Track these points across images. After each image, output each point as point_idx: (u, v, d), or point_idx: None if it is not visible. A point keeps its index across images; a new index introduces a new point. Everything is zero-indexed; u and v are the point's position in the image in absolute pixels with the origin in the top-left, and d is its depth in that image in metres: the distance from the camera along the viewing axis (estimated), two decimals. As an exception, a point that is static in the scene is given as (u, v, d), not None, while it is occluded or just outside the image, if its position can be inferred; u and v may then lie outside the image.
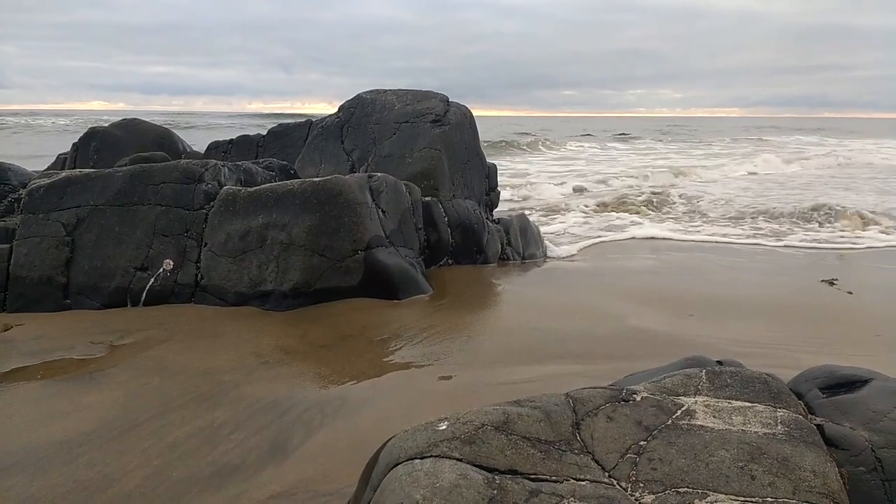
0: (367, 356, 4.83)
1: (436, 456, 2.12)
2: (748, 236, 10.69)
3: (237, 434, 3.57)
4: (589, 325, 5.53)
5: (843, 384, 2.75)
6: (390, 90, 9.57)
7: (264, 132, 10.32)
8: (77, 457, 3.36)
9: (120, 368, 4.57)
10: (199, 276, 6.19)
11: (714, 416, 2.40)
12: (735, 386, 2.61)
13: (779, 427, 2.35)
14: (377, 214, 6.44)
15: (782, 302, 6.51)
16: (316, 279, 5.97)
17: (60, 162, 10.76)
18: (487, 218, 8.76)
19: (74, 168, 9.14)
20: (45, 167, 10.23)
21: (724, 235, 10.78)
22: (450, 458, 2.11)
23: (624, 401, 2.49)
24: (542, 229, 10.07)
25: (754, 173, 22.50)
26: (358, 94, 9.64)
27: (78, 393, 4.15)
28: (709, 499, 2.01)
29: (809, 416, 2.53)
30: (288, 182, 6.54)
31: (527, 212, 11.07)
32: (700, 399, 2.53)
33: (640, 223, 11.56)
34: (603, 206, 14.18)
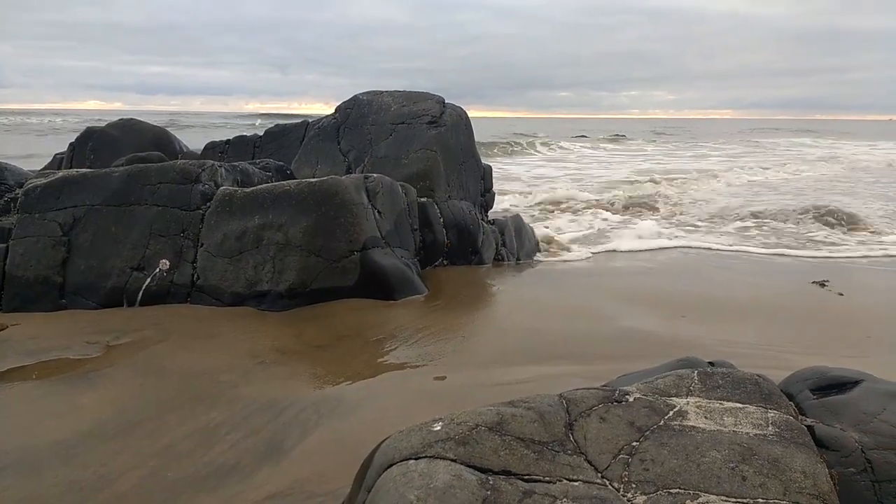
0: (362, 357, 4.84)
1: (430, 457, 2.14)
2: (764, 245, 10.38)
3: (233, 434, 3.59)
4: (583, 326, 5.55)
5: (834, 385, 2.77)
6: (386, 91, 9.59)
7: (261, 133, 10.33)
8: (72, 457, 3.37)
9: (116, 369, 4.57)
10: (196, 276, 6.20)
11: (705, 417, 2.43)
12: (726, 387, 2.63)
13: (770, 428, 2.37)
14: (373, 215, 6.46)
15: (774, 303, 6.54)
16: (312, 280, 5.98)
17: (57, 162, 10.74)
18: (483, 219, 8.78)
19: (71, 168, 9.14)
20: (42, 167, 10.22)
21: (736, 243, 10.47)
22: (444, 458, 2.13)
23: (617, 402, 2.51)
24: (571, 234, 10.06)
25: (755, 178, 22.17)
26: (354, 96, 9.66)
27: (74, 393, 4.15)
28: (700, 499, 2.04)
29: (800, 417, 2.56)
30: (284, 183, 6.55)
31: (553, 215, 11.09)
32: (692, 400, 2.55)
33: (662, 232, 11.30)
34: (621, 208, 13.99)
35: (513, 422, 2.32)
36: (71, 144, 10.80)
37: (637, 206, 14.40)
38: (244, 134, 10.68)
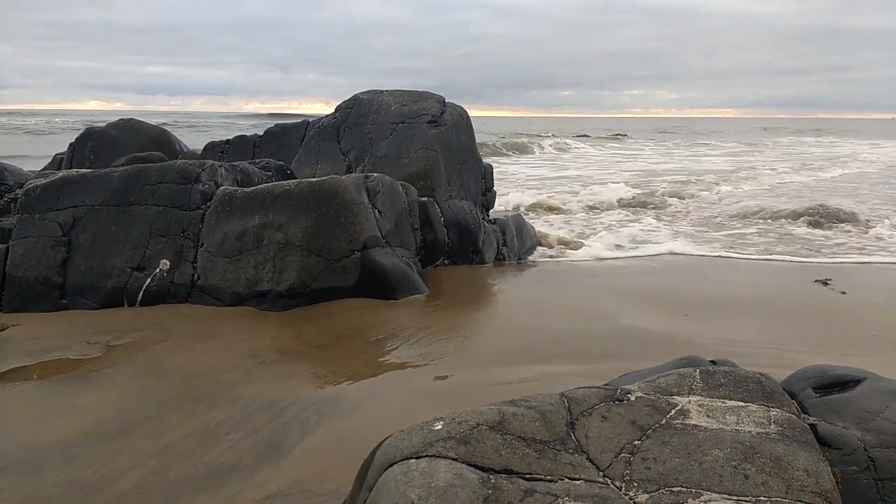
0: (363, 356, 4.84)
1: (431, 456, 2.13)
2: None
3: (233, 434, 3.58)
4: (584, 324, 5.55)
5: (836, 384, 2.76)
6: (387, 91, 9.58)
7: (261, 132, 10.32)
8: (73, 457, 3.36)
9: (116, 368, 4.57)
10: (196, 276, 6.19)
11: (708, 416, 2.42)
12: (728, 385, 2.63)
13: (772, 426, 2.36)
14: (374, 215, 6.45)
15: (776, 302, 6.53)
16: (312, 279, 5.97)
17: (57, 162, 10.74)
18: (484, 218, 8.77)
19: (71, 168, 9.14)
20: (42, 167, 10.22)
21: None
22: (445, 457, 2.12)
23: (618, 400, 2.50)
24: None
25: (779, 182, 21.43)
26: (354, 95, 9.65)
27: (74, 393, 4.15)
28: (702, 498, 2.03)
29: (802, 415, 2.55)
30: (284, 182, 6.54)
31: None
32: (694, 398, 2.54)
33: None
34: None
35: (514, 421, 2.31)
36: (71, 145, 10.79)
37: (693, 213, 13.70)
38: (244, 134, 10.68)
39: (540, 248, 9.45)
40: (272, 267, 6.00)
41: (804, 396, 2.72)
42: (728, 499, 2.03)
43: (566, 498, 1.98)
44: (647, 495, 2.04)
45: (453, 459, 2.11)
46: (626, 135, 55.02)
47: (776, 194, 16.94)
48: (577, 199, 14.85)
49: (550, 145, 37.50)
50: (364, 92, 9.64)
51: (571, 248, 9.57)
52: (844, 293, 6.76)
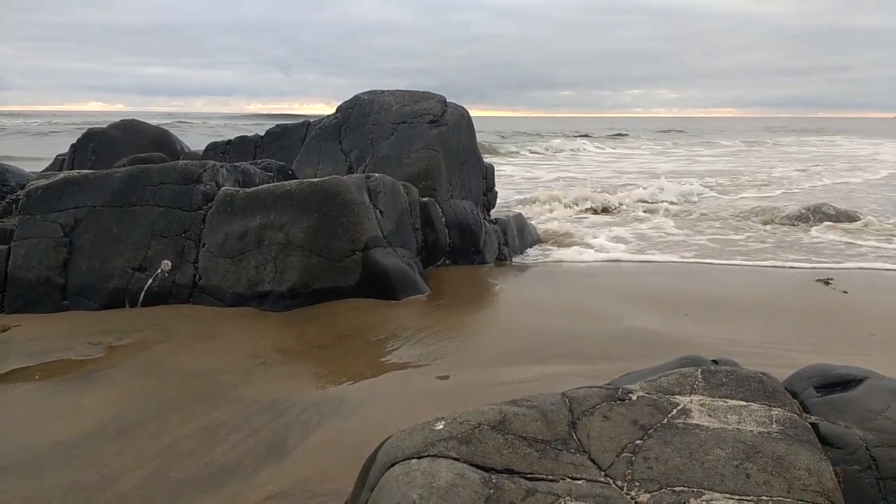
0: (364, 356, 4.84)
1: (433, 455, 2.13)
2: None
3: (235, 435, 3.58)
4: (585, 325, 5.54)
5: (838, 383, 2.76)
6: (388, 91, 9.58)
7: (262, 133, 10.33)
8: (75, 458, 3.37)
9: (118, 369, 4.58)
10: (197, 276, 6.20)
11: (709, 415, 2.42)
12: (730, 385, 2.62)
13: (774, 426, 2.36)
14: (375, 215, 6.45)
15: (777, 301, 6.52)
16: (314, 280, 5.98)
17: (58, 163, 10.75)
18: (485, 218, 8.77)
19: (73, 169, 9.15)
20: (43, 168, 10.23)
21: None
22: (447, 457, 2.12)
23: (620, 400, 2.50)
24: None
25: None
26: (356, 95, 9.65)
27: (76, 394, 4.15)
28: (704, 497, 2.03)
29: (804, 414, 2.55)
30: (286, 183, 6.55)
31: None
32: (695, 398, 2.54)
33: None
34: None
35: (515, 420, 2.31)
36: (72, 146, 10.81)
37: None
38: (245, 134, 10.68)
39: (536, 249, 9.40)
40: (273, 267, 6.00)
41: (806, 396, 2.71)
42: (730, 498, 2.02)
43: (568, 497, 1.98)
44: (648, 495, 2.03)
45: (455, 459, 2.11)
46: (626, 134, 54.99)
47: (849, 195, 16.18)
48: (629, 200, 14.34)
49: (575, 148, 36.48)
50: (365, 92, 9.65)
51: (565, 247, 9.52)
52: (846, 293, 6.75)
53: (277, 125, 10.39)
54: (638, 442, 2.27)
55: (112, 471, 3.23)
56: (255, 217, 6.18)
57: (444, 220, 7.74)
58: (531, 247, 9.41)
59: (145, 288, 6.13)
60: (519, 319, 5.85)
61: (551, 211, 13.21)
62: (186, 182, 6.51)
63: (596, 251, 9.33)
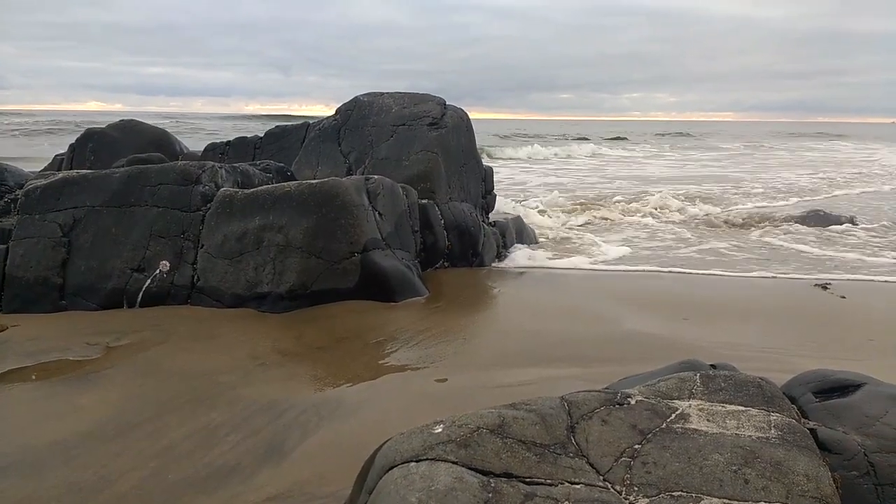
0: (363, 358, 4.84)
1: (431, 459, 2.13)
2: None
3: (233, 436, 3.58)
4: (584, 328, 5.54)
5: (837, 388, 2.76)
6: (387, 93, 9.59)
7: (262, 134, 10.33)
8: (72, 458, 3.36)
9: (116, 370, 4.57)
10: (196, 277, 6.19)
11: (708, 420, 2.42)
12: (729, 390, 2.63)
13: (772, 431, 2.36)
14: (374, 217, 6.45)
15: (776, 306, 6.52)
16: (312, 281, 5.97)
17: (57, 163, 10.75)
18: (484, 221, 8.77)
19: (71, 169, 9.14)
20: (42, 168, 10.23)
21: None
22: (445, 461, 2.12)
23: (619, 404, 2.50)
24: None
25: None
26: (355, 97, 9.66)
27: (74, 394, 4.15)
28: (703, 502, 2.03)
29: (803, 420, 2.55)
30: (285, 184, 6.55)
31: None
32: (694, 403, 2.54)
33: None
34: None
35: (514, 424, 2.31)
36: (71, 145, 10.81)
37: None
38: (245, 135, 10.68)
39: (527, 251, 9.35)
40: (272, 269, 6.00)
41: (804, 401, 2.72)
42: (728, 503, 2.03)
43: (566, 502, 1.98)
44: (647, 500, 2.04)
45: (453, 463, 2.11)
46: (626, 138, 55.01)
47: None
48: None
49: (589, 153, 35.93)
50: (365, 94, 9.66)
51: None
52: (844, 297, 6.76)
53: (277, 126, 10.40)
54: (636, 446, 2.27)
55: (110, 471, 3.23)
56: (254, 218, 6.18)
57: (442, 222, 7.74)
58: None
59: (143, 288, 6.13)
60: (517, 322, 5.85)
61: (548, 216, 13.20)
62: (185, 183, 6.51)
63: (596, 257, 9.33)
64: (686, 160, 32.13)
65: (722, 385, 2.65)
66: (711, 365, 3.16)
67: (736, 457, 2.20)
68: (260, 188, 6.50)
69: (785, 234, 11.37)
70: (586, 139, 49.38)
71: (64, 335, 5.33)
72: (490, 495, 1.98)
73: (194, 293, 6.16)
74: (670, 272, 8.25)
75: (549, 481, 2.09)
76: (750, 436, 2.32)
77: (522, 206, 13.28)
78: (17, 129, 40.22)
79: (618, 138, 53.92)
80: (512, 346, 5.06)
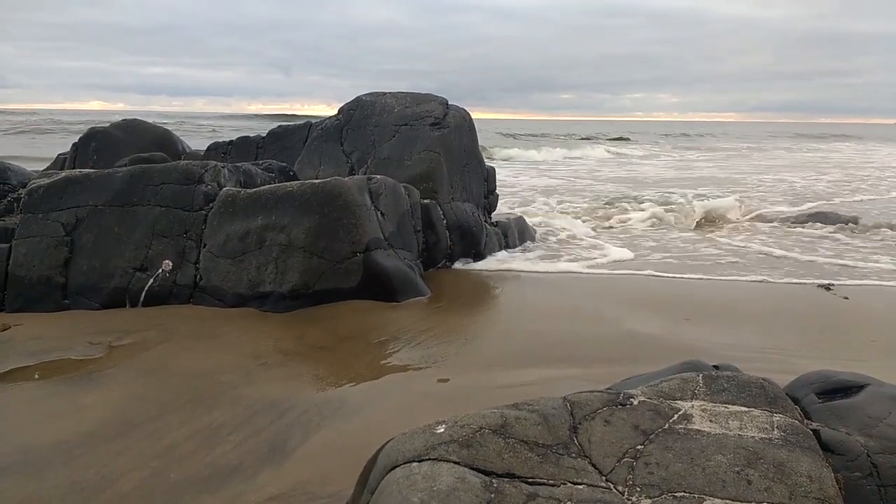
0: (365, 358, 4.84)
1: (433, 459, 2.13)
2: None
3: (235, 435, 3.58)
4: (586, 328, 5.54)
5: (840, 389, 2.76)
6: (389, 93, 9.59)
7: (264, 134, 10.33)
8: (75, 458, 3.36)
9: (118, 369, 4.57)
10: (198, 277, 6.20)
11: (711, 421, 2.41)
12: (732, 390, 2.62)
13: (775, 432, 2.36)
14: (376, 216, 6.45)
15: (778, 306, 6.51)
16: (315, 281, 5.97)
17: (60, 162, 10.77)
18: (486, 220, 8.77)
19: (74, 168, 9.15)
20: (45, 167, 10.24)
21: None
22: (447, 461, 2.12)
23: (621, 405, 2.50)
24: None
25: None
26: (357, 97, 9.66)
27: (76, 394, 4.15)
28: (705, 503, 2.02)
29: (806, 421, 2.55)
30: (287, 184, 6.55)
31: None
32: (697, 403, 2.54)
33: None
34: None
35: (517, 424, 2.31)
36: (74, 145, 10.83)
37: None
38: (247, 135, 10.69)
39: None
40: (274, 268, 6.00)
41: (807, 402, 2.71)
42: (731, 504, 2.02)
43: (568, 502, 1.98)
44: (649, 500, 2.03)
45: (456, 463, 2.11)
46: (628, 138, 54.89)
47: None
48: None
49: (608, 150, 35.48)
50: (367, 94, 9.67)
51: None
52: (847, 298, 6.75)
53: (279, 126, 10.40)
54: (639, 447, 2.27)
55: (112, 471, 3.23)
56: (257, 218, 6.19)
57: (445, 222, 7.74)
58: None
59: (146, 288, 6.13)
60: (519, 322, 5.85)
61: (551, 218, 13.19)
62: (188, 182, 6.51)
63: (598, 259, 9.31)
64: (694, 160, 31.84)
65: (725, 386, 2.65)
66: (714, 365, 3.16)
67: (739, 458, 2.20)
68: (262, 188, 6.50)
69: (787, 235, 11.35)
70: (589, 139, 49.25)
71: (66, 334, 5.34)
72: (492, 495, 1.98)
73: (197, 293, 6.16)
74: (670, 274, 8.23)
75: (551, 482, 2.09)
76: (753, 437, 2.32)
77: (532, 207, 13.29)
78: (19, 129, 40.27)
79: (620, 138, 53.83)
80: (514, 347, 5.06)
